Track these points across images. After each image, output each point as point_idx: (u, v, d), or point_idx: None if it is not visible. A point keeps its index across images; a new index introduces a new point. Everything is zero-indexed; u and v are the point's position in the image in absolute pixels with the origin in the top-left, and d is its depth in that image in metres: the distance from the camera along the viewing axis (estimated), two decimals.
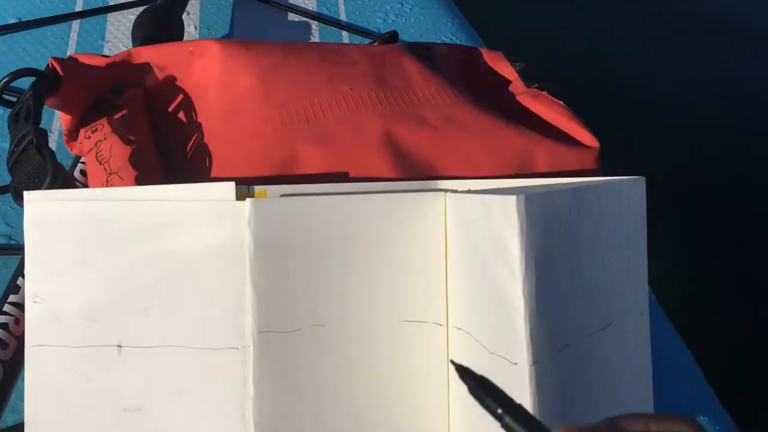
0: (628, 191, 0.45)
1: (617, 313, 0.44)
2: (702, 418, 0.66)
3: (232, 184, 0.46)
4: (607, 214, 0.44)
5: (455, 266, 0.48)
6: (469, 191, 0.50)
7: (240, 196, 0.47)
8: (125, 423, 0.47)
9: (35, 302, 0.47)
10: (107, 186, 0.55)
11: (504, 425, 0.26)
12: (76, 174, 0.65)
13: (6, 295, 0.52)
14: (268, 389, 0.46)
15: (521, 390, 0.39)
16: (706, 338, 0.94)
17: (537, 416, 0.27)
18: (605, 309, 0.43)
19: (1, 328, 0.50)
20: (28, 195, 0.47)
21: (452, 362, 0.29)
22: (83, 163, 0.65)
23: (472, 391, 0.28)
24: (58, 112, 0.66)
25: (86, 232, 0.47)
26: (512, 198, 0.39)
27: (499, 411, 0.26)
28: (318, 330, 0.47)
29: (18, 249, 0.62)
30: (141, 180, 0.54)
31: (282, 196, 0.48)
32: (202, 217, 0.47)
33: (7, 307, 0.52)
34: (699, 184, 1.67)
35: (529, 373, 0.38)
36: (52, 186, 0.47)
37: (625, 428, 0.27)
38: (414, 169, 0.55)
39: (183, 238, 0.47)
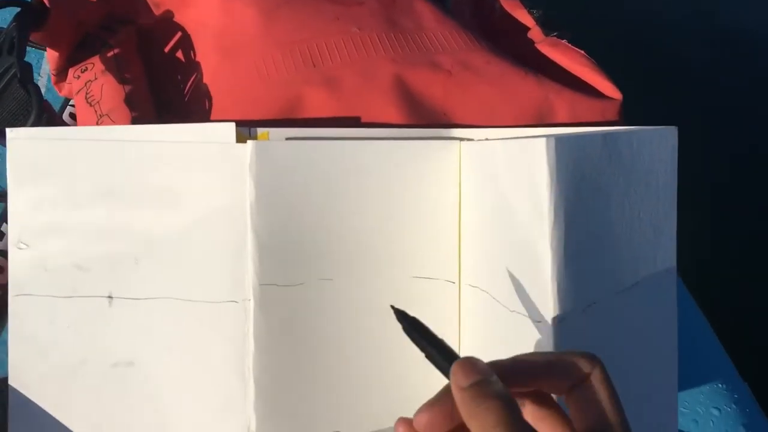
0: (660, 141, 0.42)
1: (645, 271, 0.41)
2: (719, 385, 0.64)
3: (233, 124, 0.43)
4: (638, 164, 0.40)
5: (470, 219, 0.45)
6: (486, 140, 0.47)
7: (241, 139, 0.43)
8: (115, 378, 0.44)
9: (19, 248, 0.44)
10: None
11: (427, 356, 0.30)
12: (65, 118, 0.61)
13: None
14: (270, 345, 0.43)
15: (543, 347, 0.36)
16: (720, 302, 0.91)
17: None
18: (633, 266, 0.40)
19: None
20: (11, 132, 0.43)
21: (391, 306, 0.32)
22: (72, 106, 0.61)
23: (405, 330, 0.31)
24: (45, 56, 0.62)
25: (74, 174, 0.44)
26: (542, 141, 0.35)
27: (425, 345, 0.30)
28: (323, 284, 0.44)
29: (1, 195, 0.59)
30: (134, 123, 0.50)
31: (287, 139, 0.45)
32: (200, 160, 0.44)
33: None
34: (729, 139, 1.60)
35: (554, 332, 0.35)
36: (38, 123, 0.44)
37: (524, 359, 0.29)
38: (426, 117, 0.51)
39: (179, 182, 0.44)
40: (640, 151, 0.41)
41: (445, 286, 0.45)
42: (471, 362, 0.28)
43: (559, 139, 0.36)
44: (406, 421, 0.29)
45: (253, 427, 0.43)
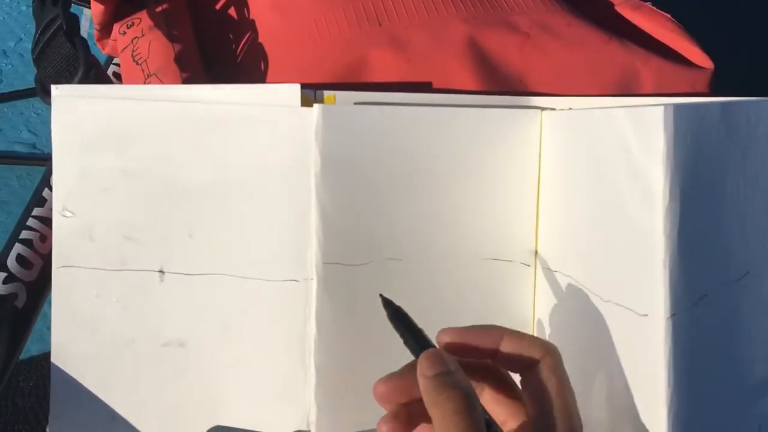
0: None
1: (756, 261, 0.36)
2: None
3: (297, 86, 0.39)
4: (754, 139, 0.36)
5: (553, 197, 0.40)
6: (571, 110, 0.42)
7: (306, 102, 0.39)
8: (164, 359, 0.41)
9: (64, 216, 0.40)
10: None
11: (405, 342, 0.32)
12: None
13: (30, 208, 0.46)
14: (332, 329, 0.40)
15: (650, 345, 0.32)
16: None
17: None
18: (744, 254, 0.36)
19: (23, 245, 0.44)
20: (56, 90, 0.39)
21: (380, 295, 0.34)
22: (117, 65, 0.57)
23: (389, 318, 0.33)
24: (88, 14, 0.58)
25: (124, 137, 0.40)
26: (658, 109, 0.31)
27: (403, 331, 0.33)
28: (391, 264, 0.40)
29: (43, 159, 0.56)
30: (185, 83, 0.46)
31: (355, 104, 0.41)
32: (260, 124, 0.40)
33: (31, 221, 0.45)
34: None
35: (666, 328, 0.31)
36: (85, 80, 0.40)
37: (478, 340, 0.32)
38: (502, 83, 0.46)
39: (236, 149, 0.40)
40: (756, 126, 0.36)
41: (521, 270, 0.41)
42: (437, 354, 0.30)
43: (678, 107, 0.31)
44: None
45: (312, 417, 0.40)
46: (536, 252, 0.42)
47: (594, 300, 0.36)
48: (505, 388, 0.33)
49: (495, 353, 0.32)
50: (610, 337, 0.35)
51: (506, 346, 0.31)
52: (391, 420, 0.31)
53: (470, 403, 0.28)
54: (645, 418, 0.32)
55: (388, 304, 0.34)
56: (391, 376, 0.32)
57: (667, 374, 0.31)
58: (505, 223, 0.41)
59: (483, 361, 0.32)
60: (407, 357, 0.38)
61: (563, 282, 0.39)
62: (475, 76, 0.46)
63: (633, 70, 0.49)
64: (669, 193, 0.31)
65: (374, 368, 0.40)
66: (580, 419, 0.31)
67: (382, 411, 0.41)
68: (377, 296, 0.40)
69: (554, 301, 0.40)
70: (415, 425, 0.32)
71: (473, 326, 0.32)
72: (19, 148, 0.78)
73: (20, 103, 0.79)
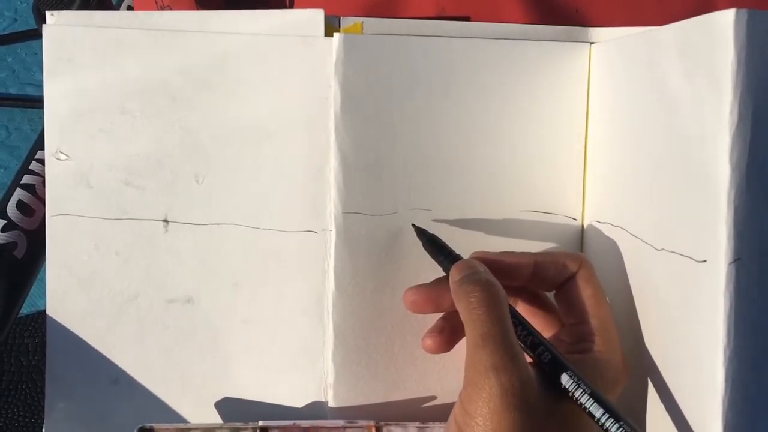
0: None
1: None
2: None
3: (321, 11, 0.35)
4: None
5: (602, 142, 0.36)
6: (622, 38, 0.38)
7: (330, 32, 0.35)
8: (170, 316, 0.37)
9: (58, 159, 0.37)
10: None
11: (439, 264, 0.33)
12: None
13: (34, 150, 0.42)
14: (352, 286, 0.36)
15: (709, 294, 0.28)
16: None
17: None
18: None
19: (25, 190, 0.40)
20: (51, 17, 0.35)
21: (412, 225, 0.35)
22: None
23: (424, 246, 0.34)
24: None
25: (125, 71, 0.36)
26: (728, 14, 0.26)
27: (436, 254, 0.33)
28: (417, 216, 0.37)
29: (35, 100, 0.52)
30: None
31: (383, 34, 0.36)
32: (277, 58, 0.36)
33: (34, 165, 0.41)
34: None
35: (727, 274, 0.27)
36: (85, 6, 0.36)
37: (513, 259, 0.32)
38: (554, 13, 0.42)
39: (250, 86, 0.36)
40: None
41: (565, 224, 0.37)
42: (466, 261, 0.32)
43: (753, 13, 0.27)
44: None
45: (330, 379, 0.36)
46: (583, 204, 0.38)
47: (646, 251, 0.32)
48: (538, 302, 0.34)
49: (530, 275, 0.32)
50: (665, 289, 0.31)
51: (540, 264, 0.32)
52: (436, 333, 0.32)
53: (494, 295, 0.29)
54: (700, 374, 0.29)
55: (421, 232, 0.34)
56: (421, 286, 0.33)
57: (727, 328, 0.27)
58: (549, 172, 0.38)
59: (518, 283, 0.33)
60: (432, 319, 0.35)
61: (613, 234, 0.35)
62: (523, 4, 0.41)
63: (710, 2, 0.44)
64: (738, 114, 0.27)
65: (396, 329, 0.37)
66: (615, 326, 0.31)
67: (400, 376, 0.38)
68: (401, 249, 0.37)
69: (603, 256, 0.36)
70: (456, 341, 0.33)
71: (503, 253, 0.33)
72: (31, 91, 0.74)
73: (35, 43, 0.75)
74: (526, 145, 0.37)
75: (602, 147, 0.36)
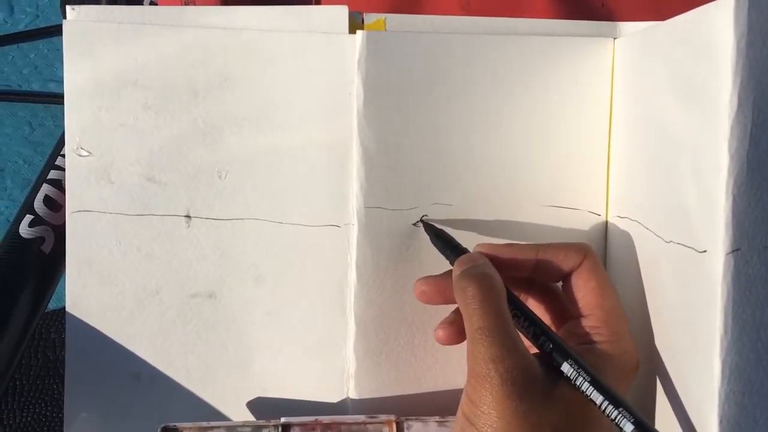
0: None
1: None
2: None
3: (345, 8, 0.35)
4: None
5: (624, 137, 0.37)
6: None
7: (354, 28, 0.35)
8: (192, 311, 0.37)
9: (79, 155, 0.36)
10: None
11: (446, 257, 0.34)
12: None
13: (59, 147, 0.42)
14: (374, 279, 0.36)
15: (708, 284, 0.28)
16: None
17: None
18: None
19: (51, 186, 0.40)
20: (72, 12, 0.35)
21: (421, 219, 0.36)
22: None
23: (432, 241, 0.35)
24: None
25: (150, 66, 0.36)
26: (728, 2, 0.27)
27: (443, 248, 0.34)
28: (440, 210, 0.37)
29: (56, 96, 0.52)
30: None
31: (406, 31, 0.36)
32: (301, 54, 0.36)
33: (60, 161, 0.41)
34: None
35: (725, 264, 0.27)
36: (110, 2, 0.36)
37: (517, 253, 0.32)
38: (578, 9, 0.42)
39: (274, 82, 0.36)
40: None
41: (589, 219, 0.38)
42: (468, 255, 0.32)
43: (752, 1, 0.27)
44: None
45: (352, 370, 0.37)
46: (607, 199, 0.38)
47: (657, 244, 0.33)
48: (551, 294, 0.34)
49: (534, 267, 0.32)
50: (671, 281, 0.32)
51: (544, 256, 0.32)
52: (448, 325, 0.33)
53: (487, 288, 0.30)
54: (699, 364, 0.29)
55: (428, 226, 0.35)
56: (430, 277, 0.34)
57: (724, 318, 0.27)
58: (572, 167, 0.38)
59: (522, 274, 0.33)
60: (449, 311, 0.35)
61: (631, 229, 0.36)
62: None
63: None
64: (737, 101, 0.27)
65: (416, 321, 0.37)
66: (624, 318, 0.31)
67: (420, 368, 0.38)
68: (421, 243, 0.37)
69: (625, 250, 0.37)
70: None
71: (509, 246, 0.33)
72: (53, 87, 0.74)
73: (56, 40, 0.75)
74: (548, 141, 0.37)
75: (624, 141, 0.37)
